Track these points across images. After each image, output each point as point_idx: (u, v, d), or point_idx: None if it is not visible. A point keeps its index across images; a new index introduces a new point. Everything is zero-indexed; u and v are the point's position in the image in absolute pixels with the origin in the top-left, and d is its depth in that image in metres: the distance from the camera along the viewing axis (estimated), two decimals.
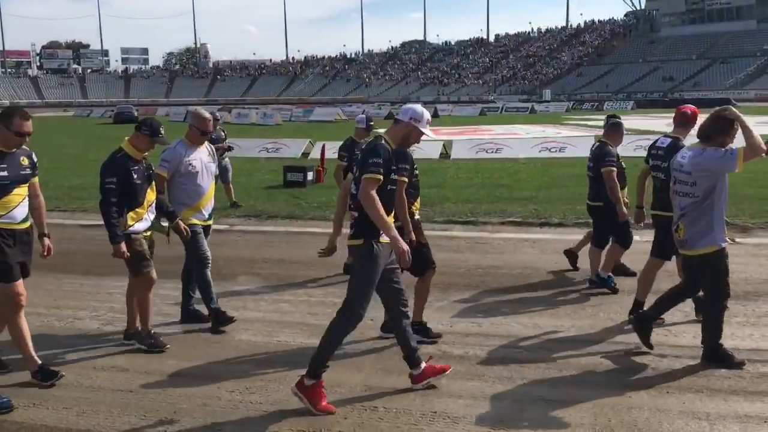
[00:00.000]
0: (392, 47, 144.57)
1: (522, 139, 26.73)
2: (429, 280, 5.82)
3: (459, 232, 10.20)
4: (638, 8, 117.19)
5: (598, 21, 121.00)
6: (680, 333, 5.78)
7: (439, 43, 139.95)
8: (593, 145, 7.37)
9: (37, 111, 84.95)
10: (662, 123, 36.21)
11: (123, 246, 5.39)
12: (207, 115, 6.22)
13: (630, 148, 20.67)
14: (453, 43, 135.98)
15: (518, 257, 8.59)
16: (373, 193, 4.30)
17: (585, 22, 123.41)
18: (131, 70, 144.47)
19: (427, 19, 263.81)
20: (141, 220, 5.57)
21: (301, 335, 5.92)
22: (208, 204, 6.21)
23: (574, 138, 25.26)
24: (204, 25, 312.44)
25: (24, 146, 4.84)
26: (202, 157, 6.14)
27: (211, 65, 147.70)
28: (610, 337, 5.74)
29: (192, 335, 6.02)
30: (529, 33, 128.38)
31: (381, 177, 4.35)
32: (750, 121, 5.04)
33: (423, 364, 4.75)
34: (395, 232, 4.36)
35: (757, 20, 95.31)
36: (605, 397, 4.59)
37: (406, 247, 4.33)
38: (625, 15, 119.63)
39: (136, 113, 55.20)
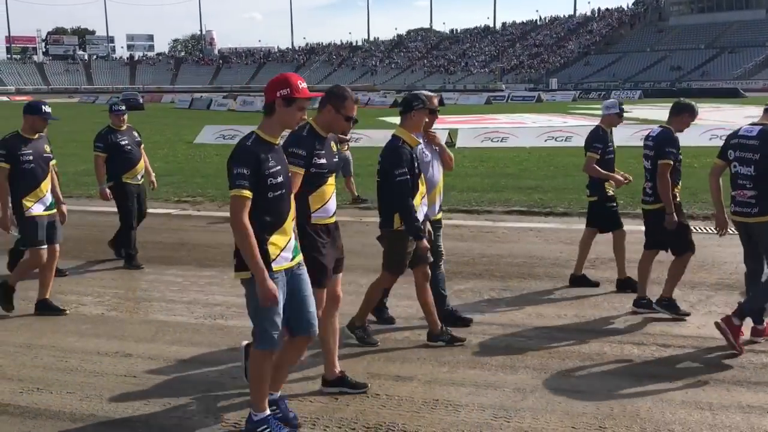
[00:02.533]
0: (398, 35, 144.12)
1: (528, 128, 26.64)
2: (686, 261, 5.89)
3: (463, 220, 10.18)
4: None
5: (606, 9, 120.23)
6: (684, 323, 5.77)
7: (445, 31, 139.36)
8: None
9: (42, 97, 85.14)
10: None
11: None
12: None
13: (637, 138, 20.67)
14: (459, 31, 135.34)
15: (522, 246, 8.58)
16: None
17: (593, 11, 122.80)
18: (137, 57, 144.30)
19: (434, 7, 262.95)
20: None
21: None
22: None
23: (580, 127, 25.14)
24: (209, 12, 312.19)
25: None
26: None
27: (216, 52, 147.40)
28: (612, 327, 5.74)
29: (197, 322, 6.03)
30: (536, 21, 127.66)
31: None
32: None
33: None
34: None
35: (767, 10, 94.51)
36: (608, 386, 4.59)
37: None
38: (633, 3, 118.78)
39: (141, 100, 55.31)
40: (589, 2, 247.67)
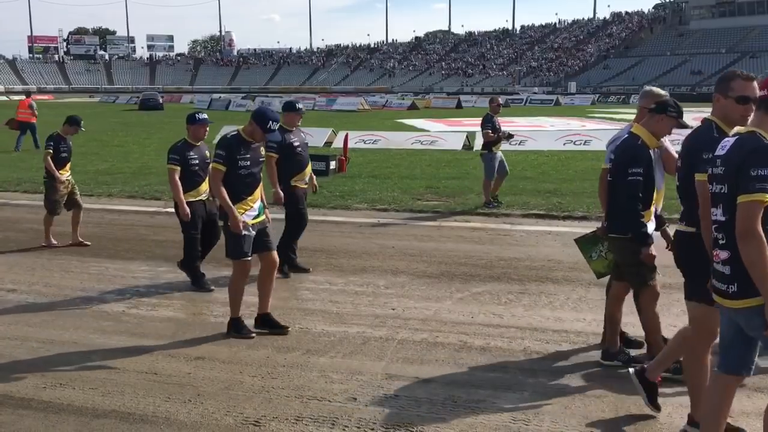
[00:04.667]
0: (416, 37, 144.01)
1: (546, 131, 26.53)
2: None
3: (481, 223, 10.18)
4: (667, 0, 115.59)
5: (626, 13, 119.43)
6: None
7: (463, 34, 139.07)
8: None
9: (63, 96, 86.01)
10: (689, 117, 35.78)
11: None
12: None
13: None
14: (478, 34, 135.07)
15: (541, 250, 8.56)
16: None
17: (612, 14, 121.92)
18: (157, 57, 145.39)
19: (452, 9, 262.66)
20: None
21: (323, 322, 5.96)
22: None
23: (599, 131, 25.02)
24: (229, 13, 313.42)
25: None
26: None
27: (235, 53, 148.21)
28: (632, 332, 5.69)
29: (216, 321, 6.08)
30: (555, 24, 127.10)
31: None
32: None
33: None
34: None
35: None
36: (627, 391, 4.56)
37: None
38: (654, 7, 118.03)
39: (161, 100, 55.74)
40: (609, 6, 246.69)
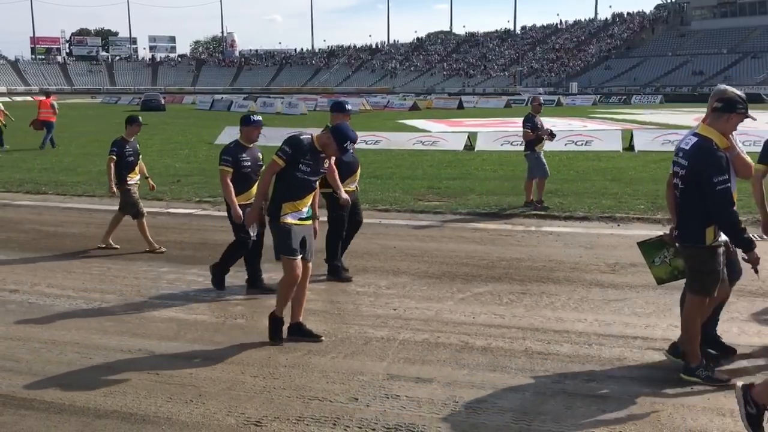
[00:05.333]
0: (418, 38, 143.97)
1: None
2: None
3: (483, 224, 10.18)
4: (669, 1, 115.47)
5: (627, 13, 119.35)
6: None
7: (464, 34, 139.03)
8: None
9: (65, 98, 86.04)
10: (691, 118, 35.77)
11: None
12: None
13: (657, 143, 20.53)
14: (479, 35, 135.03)
15: (542, 250, 8.56)
16: None
17: (614, 15, 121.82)
18: (159, 58, 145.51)
19: (454, 10, 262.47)
20: None
21: (324, 323, 5.97)
22: None
23: (600, 131, 25.03)
24: (230, 14, 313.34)
25: None
26: None
27: (237, 54, 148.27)
28: (633, 332, 5.71)
29: (218, 321, 6.09)
30: (556, 25, 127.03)
31: None
32: None
33: None
34: None
35: None
36: (628, 391, 4.57)
37: None
38: (655, 7, 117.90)
39: (163, 101, 55.82)
40: (610, 6, 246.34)
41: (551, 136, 11.51)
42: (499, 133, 24.44)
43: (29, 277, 7.46)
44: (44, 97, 22.86)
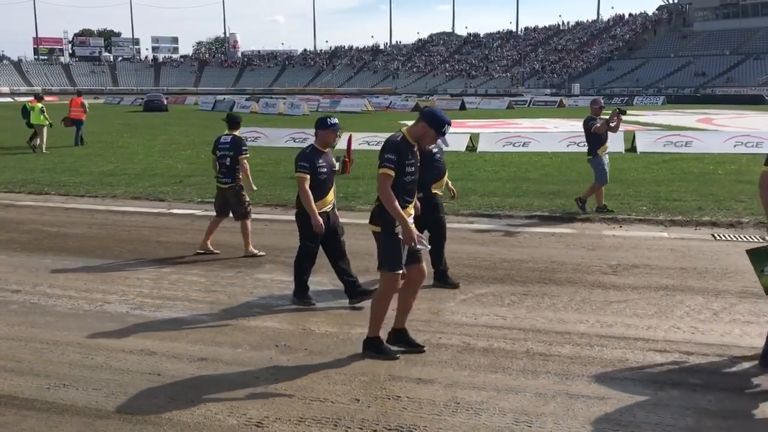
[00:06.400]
0: (420, 39, 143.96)
1: (550, 133, 26.51)
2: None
3: (485, 225, 10.17)
4: (671, 2, 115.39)
5: (630, 15, 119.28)
6: (707, 331, 5.72)
7: (467, 35, 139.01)
8: None
9: (68, 98, 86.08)
10: (693, 119, 35.76)
11: None
12: None
13: (660, 144, 20.52)
14: (481, 36, 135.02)
15: (544, 251, 8.55)
16: None
17: (616, 16, 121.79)
18: (161, 59, 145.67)
19: (456, 11, 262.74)
20: None
21: (326, 324, 5.97)
22: None
23: None
24: (233, 15, 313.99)
25: None
26: None
27: (239, 55, 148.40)
28: (635, 334, 5.70)
29: (219, 322, 6.09)
30: (559, 26, 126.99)
31: None
32: None
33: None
34: None
35: None
36: (630, 393, 4.57)
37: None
38: (657, 9, 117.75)
39: (165, 101, 55.90)
40: (612, 7, 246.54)
41: (621, 113, 10.94)
42: (502, 134, 24.44)
43: (31, 278, 7.47)
44: (76, 96, 24.51)
